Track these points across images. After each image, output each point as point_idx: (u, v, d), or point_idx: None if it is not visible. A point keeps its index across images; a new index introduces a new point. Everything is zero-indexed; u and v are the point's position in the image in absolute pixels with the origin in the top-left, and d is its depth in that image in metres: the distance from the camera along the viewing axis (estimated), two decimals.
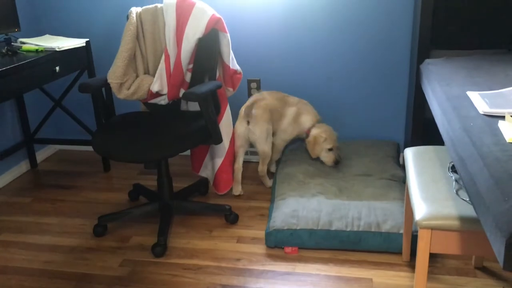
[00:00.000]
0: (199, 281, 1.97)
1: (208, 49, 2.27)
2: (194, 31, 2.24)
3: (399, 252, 2.06)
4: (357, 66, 2.79)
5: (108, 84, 2.26)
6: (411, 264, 2.01)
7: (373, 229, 2.06)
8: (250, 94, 2.90)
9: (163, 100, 2.37)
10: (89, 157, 3.21)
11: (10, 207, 2.62)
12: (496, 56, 2.06)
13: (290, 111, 2.64)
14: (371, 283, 1.91)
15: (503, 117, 1.31)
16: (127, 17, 2.30)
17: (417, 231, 1.48)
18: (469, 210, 1.41)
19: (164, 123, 2.21)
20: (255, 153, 2.86)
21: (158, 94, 2.35)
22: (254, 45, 2.84)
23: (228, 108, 2.51)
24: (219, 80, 2.41)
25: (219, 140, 2.22)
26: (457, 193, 1.50)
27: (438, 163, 1.72)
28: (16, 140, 2.98)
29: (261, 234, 2.27)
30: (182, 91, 2.35)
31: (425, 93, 1.92)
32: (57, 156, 3.28)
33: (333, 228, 2.08)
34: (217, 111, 2.34)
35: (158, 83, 2.31)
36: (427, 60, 2.09)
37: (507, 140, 1.16)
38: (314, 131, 2.62)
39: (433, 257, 2.04)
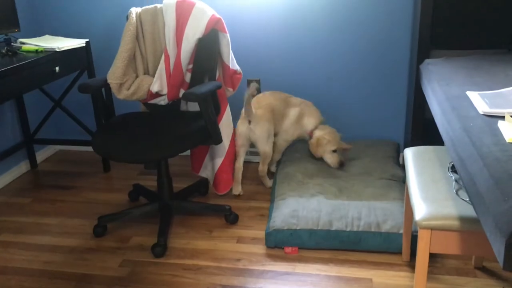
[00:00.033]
0: (199, 282, 1.97)
1: (208, 50, 2.27)
2: (194, 31, 2.24)
3: (399, 252, 2.06)
4: (357, 66, 2.79)
5: (108, 85, 2.26)
6: (411, 264, 2.01)
7: (373, 229, 2.05)
8: None
9: (163, 101, 2.37)
10: (89, 157, 3.21)
11: (10, 208, 2.61)
12: (496, 56, 2.06)
13: (293, 112, 2.64)
14: (371, 283, 1.91)
15: (503, 117, 1.31)
16: (127, 18, 2.30)
17: (417, 231, 1.48)
18: (469, 210, 1.41)
19: (164, 124, 2.21)
20: (255, 153, 2.86)
21: (158, 95, 2.35)
22: (254, 45, 2.84)
23: (228, 108, 2.51)
24: (219, 81, 2.41)
25: (219, 140, 2.22)
26: (457, 193, 1.50)
27: (438, 163, 1.72)
28: (16, 140, 2.98)
29: (261, 234, 2.27)
30: (182, 92, 2.35)
31: (425, 93, 1.92)
32: (57, 156, 3.28)
33: (333, 228, 2.08)
34: (217, 112, 2.34)
35: (158, 84, 2.31)
36: (426, 60, 2.09)
37: (507, 140, 1.16)
38: (317, 133, 2.61)
39: (433, 257, 2.04)
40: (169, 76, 2.31)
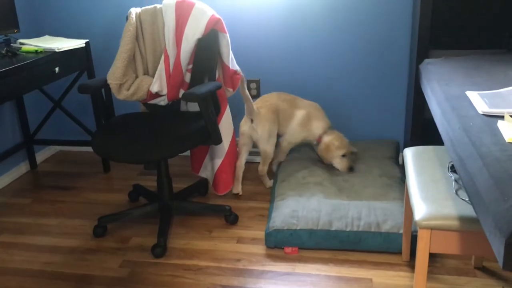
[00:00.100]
0: (199, 282, 1.96)
1: (207, 50, 2.27)
2: (193, 32, 2.24)
3: (399, 252, 2.06)
4: (357, 66, 2.79)
5: (108, 85, 2.26)
6: (411, 264, 2.01)
7: (373, 229, 2.05)
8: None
9: (162, 101, 2.37)
10: (89, 158, 3.21)
11: (10, 208, 2.61)
12: (495, 56, 2.06)
13: (299, 114, 2.62)
14: (371, 283, 1.91)
15: (502, 117, 1.31)
16: (127, 18, 2.30)
17: (416, 231, 1.48)
18: (468, 210, 1.41)
19: (163, 124, 2.21)
20: (255, 153, 2.86)
21: (157, 95, 2.35)
22: (254, 45, 2.84)
23: (228, 108, 2.51)
24: (219, 81, 2.41)
25: (218, 140, 2.22)
26: (456, 193, 1.50)
27: (437, 163, 1.72)
28: (16, 141, 2.98)
29: (261, 234, 2.27)
30: (181, 92, 2.35)
31: (424, 93, 1.92)
32: (56, 157, 3.28)
33: (333, 228, 2.08)
34: (217, 112, 2.34)
35: (158, 84, 2.31)
36: (426, 60, 2.09)
37: (507, 140, 1.16)
38: (326, 139, 2.60)
39: (432, 257, 2.04)
40: (168, 76, 2.31)
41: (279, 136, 2.65)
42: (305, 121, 2.61)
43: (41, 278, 2.03)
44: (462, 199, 1.46)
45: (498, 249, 0.89)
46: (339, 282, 1.93)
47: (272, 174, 2.76)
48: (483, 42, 2.22)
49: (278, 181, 2.55)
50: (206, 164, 2.62)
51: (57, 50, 2.51)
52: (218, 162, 2.53)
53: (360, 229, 2.06)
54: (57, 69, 2.51)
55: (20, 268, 2.10)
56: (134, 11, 2.30)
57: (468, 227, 1.38)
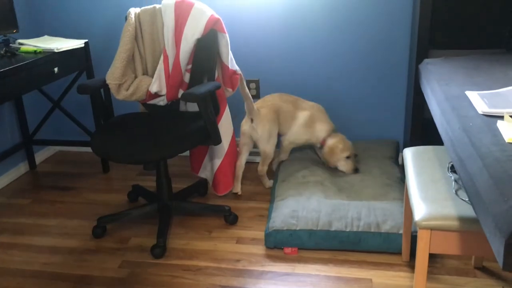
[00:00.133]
0: (198, 282, 1.96)
1: (207, 50, 2.27)
2: (192, 32, 2.23)
3: (398, 252, 2.06)
4: (357, 66, 2.78)
5: (107, 85, 2.26)
6: (410, 264, 2.01)
7: (372, 230, 2.05)
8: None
9: (162, 101, 2.36)
10: (88, 158, 3.20)
11: (9, 209, 2.61)
12: (495, 56, 2.06)
13: (302, 115, 2.61)
14: (371, 283, 1.91)
15: (502, 117, 1.31)
16: (126, 18, 2.30)
17: (416, 232, 1.48)
18: (468, 210, 1.41)
19: (163, 124, 2.20)
20: (255, 153, 2.85)
21: (157, 95, 2.34)
22: (254, 45, 2.84)
23: (227, 108, 2.51)
24: (218, 81, 2.41)
25: (218, 140, 2.22)
26: (456, 193, 1.50)
27: (437, 163, 1.71)
28: (15, 141, 2.97)
29: (261, 234, 2.26)
30: (181, 92, 2.35)
31: (424, 93, 1.91)
32: (56, 157, 3.28)
33: (333, 228, 2.08)
34: (216, 112, 2.34)
35: (157, 84, 2.30)
36: (426, 60, 2.09)
37: (506, 140, 1.15)
38: (330, 141, 2.59)
39: (432, 257, 2.04)
40: (168, 76, 2.30)
41: (280, 135, 2.65)
42: (309, 122, 2.61)
43: (40, 278, 2.03)
44: (462, 199, 1.46)
45: (498, 249, 0.89)
46: (339, 282, 1.92)
47: (272, 173, 2.76)
48: (483, 42, 2.21)
49: (278, 181, 2.55)
50: (205, 164, 2.62)
51: (56, 50, 2.50)
52: (217, 162, 2.53)
53: (360, 229, 2.06)
54: (56, 69, 2.51)
55: (19, 268, 2.10)
56: (133, 11, 2.30)
57: (468, 227, 1.38)
